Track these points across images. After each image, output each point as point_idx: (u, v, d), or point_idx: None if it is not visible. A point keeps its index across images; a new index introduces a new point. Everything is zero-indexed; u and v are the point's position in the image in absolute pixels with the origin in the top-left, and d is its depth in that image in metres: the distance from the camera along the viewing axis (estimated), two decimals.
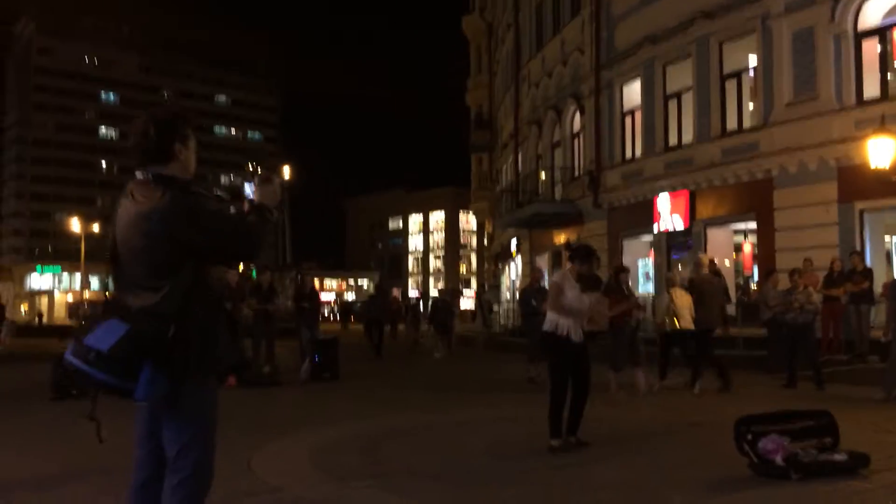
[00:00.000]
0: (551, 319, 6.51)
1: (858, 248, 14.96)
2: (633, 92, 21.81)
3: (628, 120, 22.16)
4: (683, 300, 10.84)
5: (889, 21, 15.80)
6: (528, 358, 12.14)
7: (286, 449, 6.62)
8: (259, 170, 3.74)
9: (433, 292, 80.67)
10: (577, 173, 24.42)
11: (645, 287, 21.56)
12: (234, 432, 7.48)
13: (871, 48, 16.03)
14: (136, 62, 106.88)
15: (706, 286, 11.21)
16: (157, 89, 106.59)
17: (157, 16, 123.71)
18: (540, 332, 10.86)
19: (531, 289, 12.77)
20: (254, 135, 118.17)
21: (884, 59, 15.91)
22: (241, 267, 14.60)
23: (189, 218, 2.74)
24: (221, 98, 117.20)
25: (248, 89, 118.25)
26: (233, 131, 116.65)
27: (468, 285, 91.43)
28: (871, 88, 15.88)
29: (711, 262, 17.21)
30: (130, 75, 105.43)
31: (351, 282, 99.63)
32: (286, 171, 41.23)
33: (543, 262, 25.69)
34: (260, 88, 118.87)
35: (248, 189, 3.04)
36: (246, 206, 2.95)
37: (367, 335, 19.89)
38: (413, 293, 77.31)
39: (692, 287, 11.11)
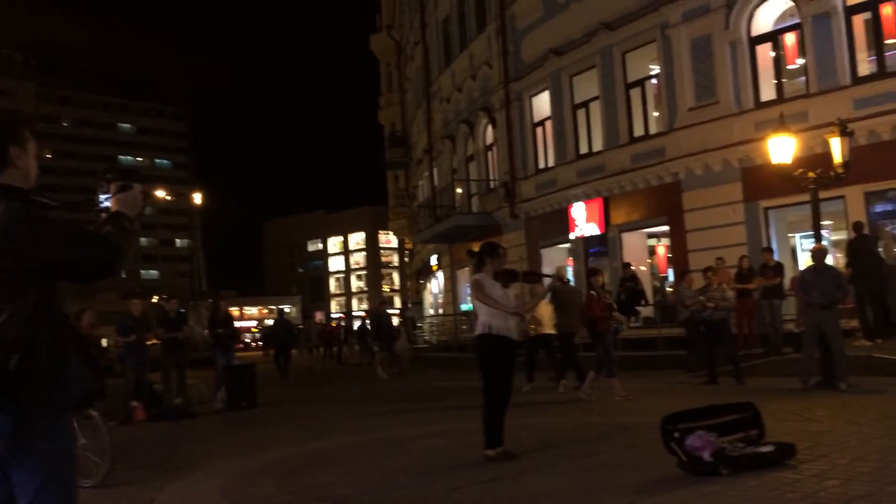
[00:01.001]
0: (483, 322, 6.31)
1: (765, 244, 15.44)
2: (542, 103, 22.07)
3: (539, 131, 22.39)
4: (544, 309, 12.10)
5: (780, 26, 16.47)
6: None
7: (196, 484, 6.16)
8: (111, 176, 3.42)
9: (357, 312, 79.80)
10: (492, 185, 24.51)
11: None
12: (139, 470, 6.99)
13: (765, 53, 16.67)
14: (33, 91, 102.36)
15: (566, 294, 12.27)
16: (55, 119, 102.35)
17: (54, 43, 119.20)
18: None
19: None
20: (162, 162, 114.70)
21: (777, 62, 16.55)
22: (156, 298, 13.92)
23: (32, 231, 2.37)
24: (126, 126, 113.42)
25: (155, 115, 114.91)
26: (140, 159, 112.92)
27: (392, 304, 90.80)
28: (768, 91, 16.49)
29: (627, 265, 17.52)
30: (27, 105, 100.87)
31: (272, 307, 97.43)
32: (198, 198, 40.16)
33: (464, 275, 25.62)
34: (167, 114, 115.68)
35: (104, 198, 2.67)
36: (102, 217, 2.60)
37: (274, 360, 20.72)
38: (355, 313, 76.00)
39: (554, 296, 11.75)
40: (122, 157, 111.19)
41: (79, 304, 15.05)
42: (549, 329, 12.26)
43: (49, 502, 2.40)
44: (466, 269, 26.41)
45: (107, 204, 2.65)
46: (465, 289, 23.95)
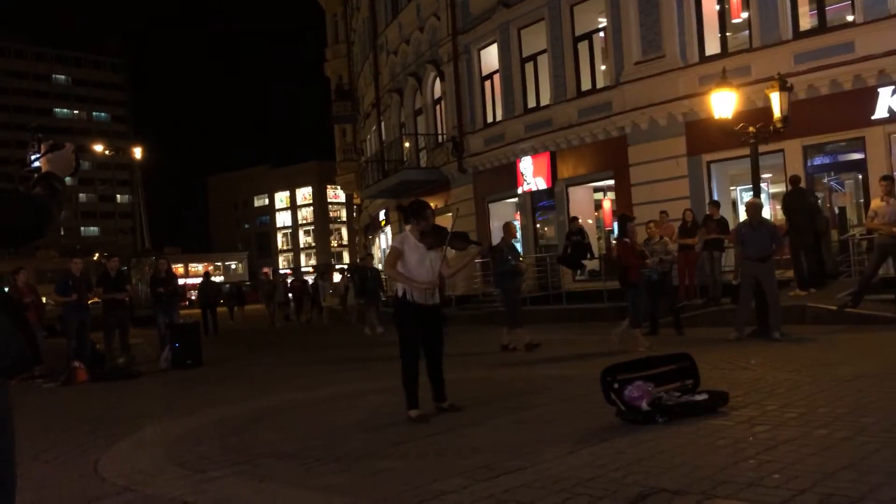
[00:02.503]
0: (399, 285, 6.27)
1: (708, 198, 15.75)
2: (490, 56, 21.91)
3: (487, 84, 22.27)
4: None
5: None
6: (505, 323, 11.37)
7: (140, 444, 6.10)
8: (41, 135, 3.29)
9: (305, 268, 79.28)
10: (440, 139, 24.37)
11: None
12: (83, 432, 6.90)
13: (711, 6, 16.78)
14: None
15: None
16: None
17: None
18: (515, 294, 10.94)
19: (505, 245, 11.41)
20: (100, 115, 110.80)
21: (722, 16, 16.70)
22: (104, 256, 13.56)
23: None
24: (60, 77, 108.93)
25: (91, 66, 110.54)
26: (76, 112, 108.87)
27: (340, 259, 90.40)
28: (713, 45, 16.66)
29: (574, 219, 17.72)
30: None
31: (218, 264, 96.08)
32: (138, 152, 38.97)
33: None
34: (104, 65, 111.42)
35: (34, 157, 2.58)
36: (32, 177, 2.51)
37: (202, 317, 20.93)
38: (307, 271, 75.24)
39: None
40: (57, 110, 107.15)
41: (15, 262, 14.61)
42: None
43: None
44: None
45: (37, 164, 2.56)
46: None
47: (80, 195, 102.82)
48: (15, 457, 2.50)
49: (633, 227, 10.57)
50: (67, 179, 2.60)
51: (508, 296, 11.26)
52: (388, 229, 29.73)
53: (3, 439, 2.45)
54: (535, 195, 20.64)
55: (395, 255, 6.24)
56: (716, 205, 14.49)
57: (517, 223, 21.62)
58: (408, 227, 6.38)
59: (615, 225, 19.21)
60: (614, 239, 11.08)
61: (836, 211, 15.84)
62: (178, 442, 6.05)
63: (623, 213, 11.45)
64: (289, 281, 32.72)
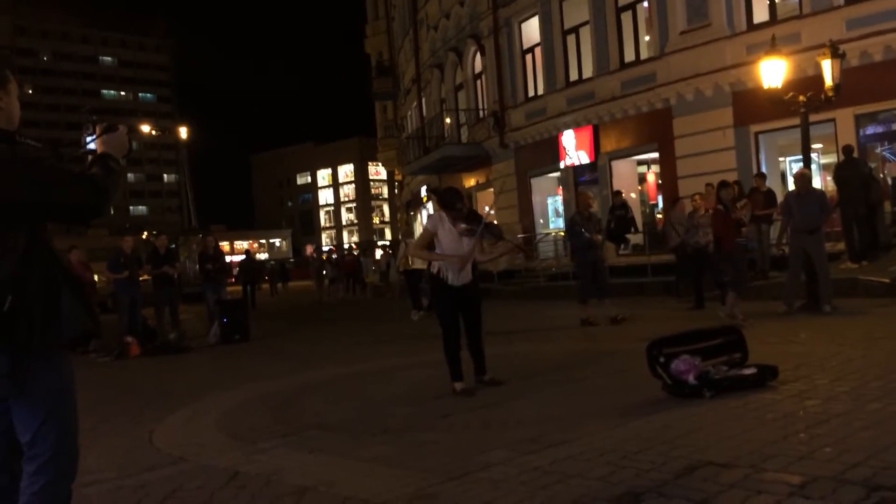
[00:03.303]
0: (436, 263, 6.30)
1: (755, 170, 15.42)
2: (531, 29, 21.64)
3: (529, 58, 22.03)
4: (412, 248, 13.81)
5: None
6: (579, 299, 10.85)
7: (192, 417, 6.27)
8: (96, 117, 3.37)
9: (346, 245, 79.93)
10: (481, 115, 24.24)
11: (555, 223, 21.79)
12: (138, 405, 7.11)
13: None
14: (9, 24, 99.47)
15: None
16: (34, 53, 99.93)
17: None
18: (589, 267, 10.55)
19: (581, 217, 10.76)
20: (146, 96, 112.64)
21: None
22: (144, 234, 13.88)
23: (19, 172, 2.37)
24: (107, 59, 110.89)
25: (137, 48, 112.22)
26: (122, 93, 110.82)
27: (382, 236, 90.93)
28: (761, 13, 16.20)
29: (617, 193, 17.52)
30: (3, 39, 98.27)
31: (262, 241, 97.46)
32: (183, 132, 39.60)
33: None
34: (149, 47, 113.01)
35: (89, 139, 2.65)
36: (88, 158, 2.58)
37: (243, 292, 22.14)
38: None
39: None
40: (104, 91, 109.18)
41: (68, 241, 15.04)
42: (421, 265, 13.59)
43: (50, 439, 2.46)
44: None
45: (92, 146, 2.63)
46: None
47: (129, 175, 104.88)
48: (78, 427, 2.60)
49: (728, 193, 9.89)
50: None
51: (579, 270, 10.98)
52: (430, 205, 29.78)
53: (67, 409, 2.54)
54: (577, 169, 20.44)
55: (427, 237, 6.32)
56: (762, 177, 14.17)
57: (559, 197, 21.48)
58: (434, 213, 6.42)
59: (659, 198, 18.95)
60: (709, 208, 10.43)
61: (890, 181, 15.37)
62: (229, 414, 6.20)
63: (722, 179, 10.80)
64: (333, 257, 33.12)
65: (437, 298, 6.41)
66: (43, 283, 2.42)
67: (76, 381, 2.61)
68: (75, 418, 2.57)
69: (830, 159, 15.50)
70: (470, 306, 6.36)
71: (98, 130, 2.64)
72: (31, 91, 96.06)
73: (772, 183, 15.34)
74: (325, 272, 27.72)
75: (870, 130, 15.05)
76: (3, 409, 2.47)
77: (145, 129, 52.41)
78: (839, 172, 12.92)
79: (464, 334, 6.40)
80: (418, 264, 13.76)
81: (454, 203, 6.23)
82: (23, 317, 2.33)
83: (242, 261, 25.33)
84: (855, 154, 13.33)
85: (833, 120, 14.40)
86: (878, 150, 15.52)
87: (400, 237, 34.45)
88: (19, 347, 2.34)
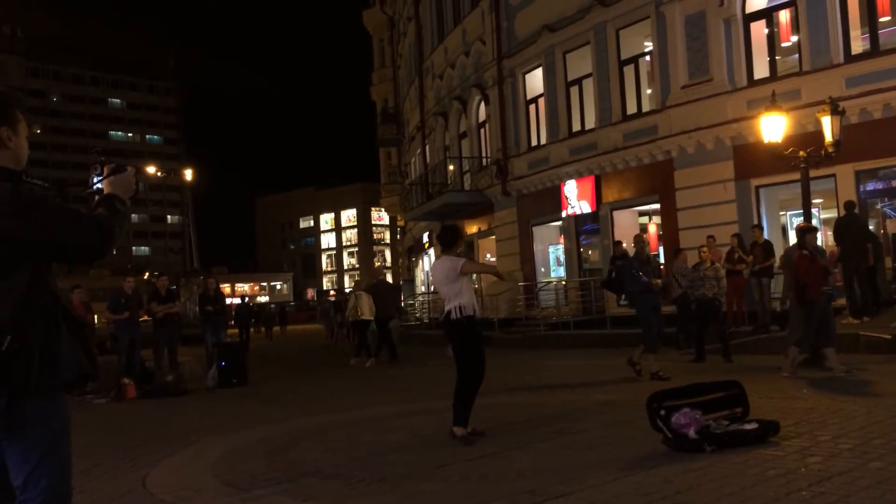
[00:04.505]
0: (466, 303, 6.31)
1: (755, 223, 15.49)
2: (535, 80, 21.96)
3: (532, 108, 22.30)
4: (364, 299, 15.40)
5: (774, 3, 16.38)
6: (647, 349, 9.87)
7: (187, 461, 6.20)
8: (104, 158, 3.40)
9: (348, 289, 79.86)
10: (484, 163, 24.44)
11: (556, 272, 21.80)
12: (132, 448, 7.03)
13: (759, 30, 16.60)
14: (22, 66, 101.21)
15: (382, 289, 16.52)
16: (45, 94, 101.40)
17: (43, 17, 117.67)
18: (650, 312, 9.86)
19: (637, 260, 10.17)
20: (153, 138, 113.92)
21: (771, 39, 16.50)
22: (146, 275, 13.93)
23: (24, 212, 2.37)
24: (116, 101, 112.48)
25: (145, 91, 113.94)
26: (130, 135, 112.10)
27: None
28: (761, 69, 16.45)
29: (618, 243, 17.56)
30: (16, 80, 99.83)
31: (264, 284, 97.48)
32: (188, 174, 39.93)
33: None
34: (157, 90, 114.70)
35: (96, 179, 2.68)
36: (95, 199, 2.61)
37: (240, 335, 22.96)
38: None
39: (373, 290, 16.01)
40: (112, 132, 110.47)
41: (70, 280, 15.06)
42: (368, 316, 15.40)
43: (42, 483, 2.41)
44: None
45: (99, 186, 2.65)
46: (432, 272, 23.88)
47: (133, 215, 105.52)
48: (71, 470, 2.57)
49: (813, 238, 9.51)
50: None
51: (641, 317, 10.05)
52: (432, 251, 29.84)
53: (61, 452, 2.50)
54: (579, 219, 20.53)
55: (469, 260, 6.50)
56: (759, 228, 14.26)
57: (560, 246, 21.54)
58: (444, 255, 6.51)
59: (660, 249, 18.99)
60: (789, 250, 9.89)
61: (890, 237, 15.41)
62: (224, 459, 6.13)
63: (805, 224, 10.29)
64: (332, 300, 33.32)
65: (470, 338, 6.36)
66: (43, 325, 2.40)
67: (71, 423, 2.59)
68: (69, 462, 2.54)
69: (831, 214, 15.57)
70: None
71: (106, 171, 2.66)
72: (39, 131, 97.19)
73: (772, 237, 15.40)
74: (331, 315, 27.96)
75: (870, 186, 15.15)
76: None
77: (151, 170, 52.88)
78: (839, 228, 12.97)
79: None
80: (366, 315, 15.26)
81: (458, 234, 6.74)
82: (21, 358, 2.32)
83: (238, 305, 26.31)
84: (856, 210, 13.41)
85: (833, 175, 14.50)
86: (879, 205, 15.60)
87: (348, 290, 34.64)
88: (16, 389, 2.32)
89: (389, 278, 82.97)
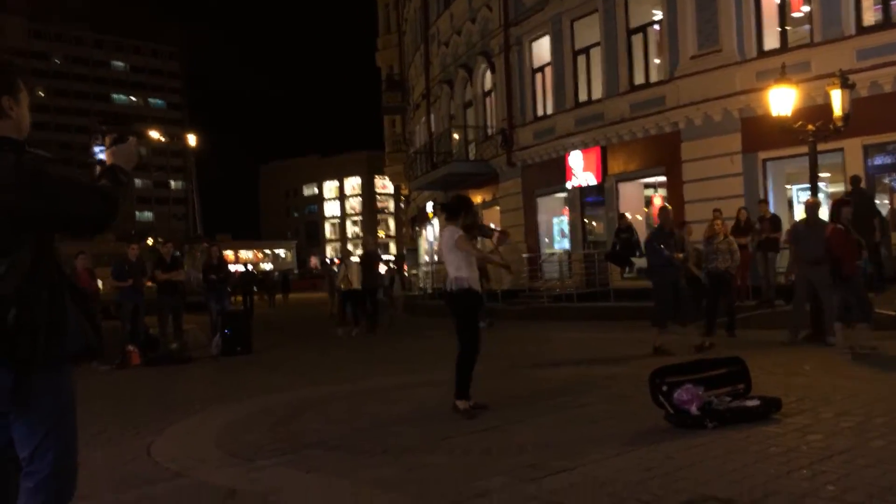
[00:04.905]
0: (463, 277, 6.28)
1: (762, 196, 15.41)
2: (542, 48, 21.72)
3: (539, 77, 22.08)
4: (353, 269, 15.39)
5: None
6: (654, 322, 9.99)
7: (191, 430, 6.25)
8: (106, 127, 3.33)
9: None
10: (489, 132, 24.29)
11: (560, 244, 21.77)
12: (137, 415, 7.09)
13: (770, 0, 16.34)
14: (24, 27, 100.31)
15: (371, 258, 16.04)
16: (46, 55, 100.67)
17: None
18: (668, 288, 9.66)
19: (661, 234, 9.94)
20: (156, 102, 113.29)
21: (782, 10, 16.26)
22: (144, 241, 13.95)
23: (27, 183, 2.34)
24: (119, 64, 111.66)
25: (148, 54, 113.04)
26: (133, 98, 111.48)
27: (387, 250, 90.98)
28: (771, 40, 16.23)
29: (622, 216, 17.48)
30: (17, 41, 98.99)
31: (267, 251, 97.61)
32: (192, 139, 39.76)
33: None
34: (161, 53, 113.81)
35: (98, 150, 2.64)
36: (97, 169, 2.58)
37: (243, 302, 24.81)
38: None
39: (362, 259, 15.67)
40: (115, 95, 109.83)
41: (74, 247, 15.08)
42: (357, 285, 15.27)
43: (49, 456, 2.43)
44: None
45: (101, 156, 2.62)
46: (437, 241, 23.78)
47: (136, 181, 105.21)
48: (77, 444, 2.58)
49: (849, 211, 9.26)
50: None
51: (656, 290, 9.96)
52: (436, 221, 29.79)
53: (68, 425, 2.52)
54: (584, 190, 20.43)
55: (465, 239, 6.30)
56: (765, 202, 14.19)
57: (564, 217, 21.47)
58: (451, 224, 6.43)
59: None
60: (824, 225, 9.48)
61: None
62: (228, 429, 6.18)
63: (842, 197, 10.07)
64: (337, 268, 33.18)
65: (466, 311, 6.34)
66: (48, 298, 2.39)
67: (76, 392, 2.59)
68: (75, 435, 2.55)
69: (837, 188, 15.47)
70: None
71: (108, 141, 2.63)
72: (42, 94, 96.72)
73: (778, 210, 15.32)
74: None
75: (878, 161, 15.02)
76: (2, 425, 2.44)
77: (154, 135, 52.60)
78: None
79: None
80: (356, 285, 15.22)
81: (471, 206, 6.55)
82: (27, 331, 2.31)
83: (242, 272, 27.15)
84: (863, 184, 13.31)
85: (841, 149, 14.38)
86: (887, 180, 15.49)
87: (340, 258, 34.47)
88: (22, 362, 2.32)
89: (392, 247, 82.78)
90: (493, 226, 9.90)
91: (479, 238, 6.67)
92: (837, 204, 9.35)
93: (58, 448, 2.46)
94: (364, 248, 17.79)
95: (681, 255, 9.86)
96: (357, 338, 14.88)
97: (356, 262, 15.54)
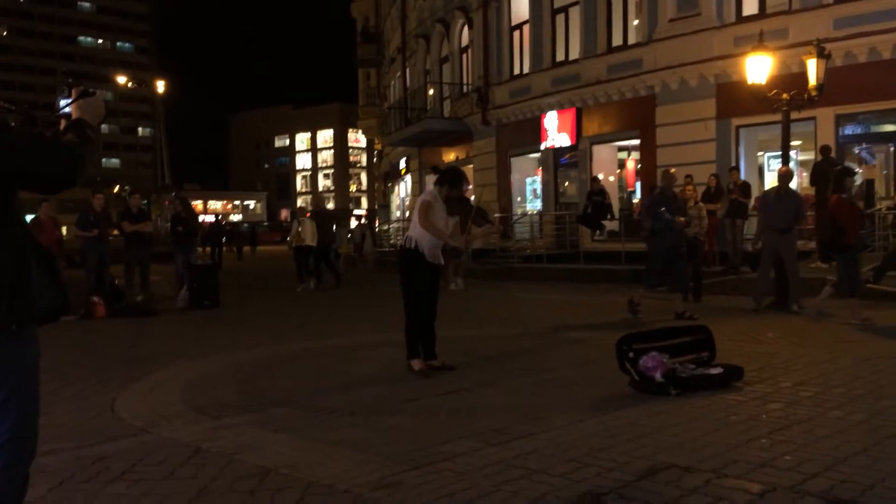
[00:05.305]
0: (412, 236, 6.30)
1: (734, 163, 15.52)
2: (521, 5, 21.45)
3: (516, 35, 21.85)
4: (307, 225, 15.36)
5: None
6: (644, 283, 9.85)
7: (156, 385, 6.19)
8: (71, 80, 3.22)
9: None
10: (465, 89, 24.05)
11: (533, 204, 21.79)
12: (101, 369, 7.01)
13: None
14: None
15: (324, 216, 16.44)
16: None
17: None
18: (664, 254, 9.43)
19: (663, 196, 9.72)
20: (124, 45, 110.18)
21: None
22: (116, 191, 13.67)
23: None
24: (85, 4, 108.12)
25: None
26: (100, 41, 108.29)
27: (358, 204, 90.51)
28: (750, 5, 16.21)
29: (595, 179, 17.50)
30: None
31: (237, 203, 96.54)
32: (160, 86, 38.81)
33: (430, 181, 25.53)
34: None
35: (64, 103, 2.54)
36: (61, 123, 2.48)
37: (211, 255, 24.50)
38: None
39: (316, 216, 15.80)
40: (81, 38, 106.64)
41: (36, 194, 14.71)
42: (311, 242, 15.32)
43: (10, 420, 2.37)
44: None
45: (67, 110, 2.52)
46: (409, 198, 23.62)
47: (103, 126, 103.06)
48: (39, 407, 2.52)
49: (851, 182, 9.20)
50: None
51: (652, 254, 9.80)
52: (409, 178, 29.62)
53: (31, 388, 2.45)
54: (558, 151, 20.41)
55: (427, 207, 6.25)
56: (736, 170, 14.35)
57: (538, 178, 21.45)
58: (436, 188, 6.36)
59: (637, 185, 19.00)
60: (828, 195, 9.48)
61: (864, 183, 15.54)
62: (194, 385, 6.13)
63: (845, 166, 9.77)
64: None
65: (413, 273, 6.34)
66: (12, 255, 2.31)
67: (40, 354, 2.52)
68: (38, 398, 2.49)
69: (808, 156, 15.64)
70: (432, 287, 6.44)
71: (74, 94, 2.53)
72: (5, 33, 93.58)
73: (750, 177, 15.46)
74: None
75: (849, 130, 15.18)
76: None
77: (121, 80, 51.29)
78: (816, 172, 13.02)
79: None
80: (308, 241, 15.24)
81: (460, 182, 6.35)
82: None
83: (211, 223, 26.64)
84: (833, 154, 13.45)
85: (814, 118, 14.50)
86: (856, 150, 15.67)
87: (376, 206, 34.29)
88: None
89: (364, 202, 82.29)
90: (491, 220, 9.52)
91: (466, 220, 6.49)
92: (841, 174, 9.33)
93: (19, 412, 2.39)
94: (315, 206, 17.72)
95: (682, 220, 9.73)
96: (326, 294, 14.84)
97: (309, 220, 15.59)
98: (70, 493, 3.63)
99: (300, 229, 15.36)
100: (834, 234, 8.93)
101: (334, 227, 16.79)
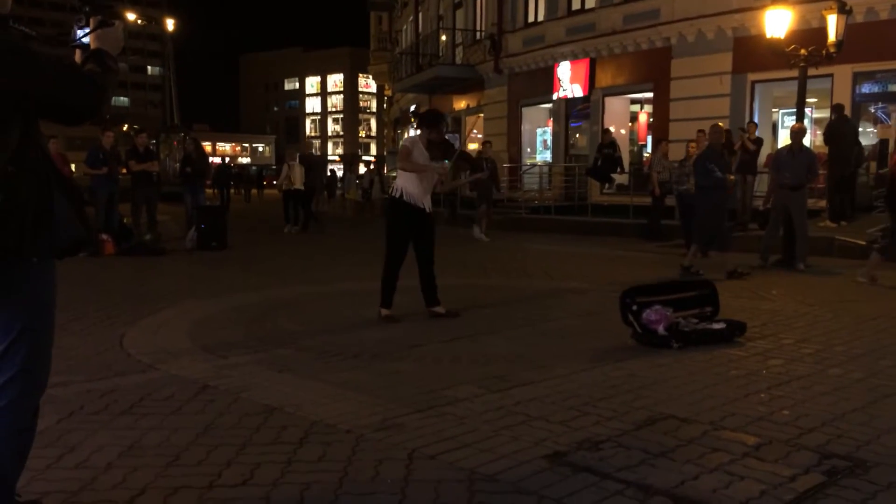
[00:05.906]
0: (398, 186, 6.32)
1: (748, 119, 15.33)
2: None
3: None
4: (296, 170, 15.67)
5: None
6: (697, 244, 9.35)
7: (164, 323, 6.28)
8: (89, 9, 3.13)
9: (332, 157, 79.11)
10: (478, 36, 23.67)
11: (542, 155, 21.65)
12: (110, 305, 7.10)
13: None
14: None
15: (312, 161, 17.33)
16: None
17: None
18: (712, 210, 8.90)
19: (713, 153, 9.21)
20: None
21: None
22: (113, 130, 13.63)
23: (11, 61, 2.16)
24: None
25: None
26: None
27: (367, 150, 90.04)
28: None
29: (606, 131, 17.32)
30: None
31: (245, 145, 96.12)
32: (170, 24, 38.32)
33: None
34: None
35: (81, 34, 2.49)
36: (78, 54, 2.44)
37: (219, 197, 25.11)
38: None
39: (303, 160, 16.26)
40: None
41: (48, 129, 14.69)
42: (298, 185, 15.61)
43: (24, 350, 2.35)
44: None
45: (85, 40, 2.47)
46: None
47: None
48: (53, 339, 2.51)
49: None
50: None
51: (699, 215, 9.32)
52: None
53: (46, 322, 2.43)
54: (570, 102, 20.18)
55: (406, 153, 6.29)
56: (753, 124, 14.17)
57: (548, 129, 21.24)
58: (418, 133, 6.36)
59: (649, 139, 18.82)
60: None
61: (878, 142, 15.36)
62: (201, 324, 6.21)
63: None
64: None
65: (394, 219, 6.39)
66: (36, 185, 2.26)
67: (57, 286, 2.48)
68: (52, 332, 2.48)
69: (823, 114, 15.42)
70: (424, 233, 6.42)
71: (92, 23, 2.47)
72: None
73: (764, 134, 15.28)
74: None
75: (865, 89, 14.94)
76: None
77: (131, 16, 50.59)
78: (830, 131, 12.86)
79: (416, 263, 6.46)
80: (297, 185, 15.54)
81: (438, 122, 6.32)
82: (13, 219, 2.19)
83: (219, 165, 27.04)
84: (847, 113, 13.26)
85: (831, 76, 14.24)
86: (872, 109, 15.44)
87: (385, 152, 34.19)
88: (8, 251, 2.21)
89: (373, 148, 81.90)
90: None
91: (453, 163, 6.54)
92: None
93: (31, 345, 2.37)
94: (302, 151, 18.36)
95: (732, 177, 9.29)
96: (332, 239, 14.88)
97: (298, 164, 15.85)
98: (79, 425, 3.71)
99: (290, 173, 15.69)
100: (889, 194, 8.68)
101: (328, 173, 17.13)
